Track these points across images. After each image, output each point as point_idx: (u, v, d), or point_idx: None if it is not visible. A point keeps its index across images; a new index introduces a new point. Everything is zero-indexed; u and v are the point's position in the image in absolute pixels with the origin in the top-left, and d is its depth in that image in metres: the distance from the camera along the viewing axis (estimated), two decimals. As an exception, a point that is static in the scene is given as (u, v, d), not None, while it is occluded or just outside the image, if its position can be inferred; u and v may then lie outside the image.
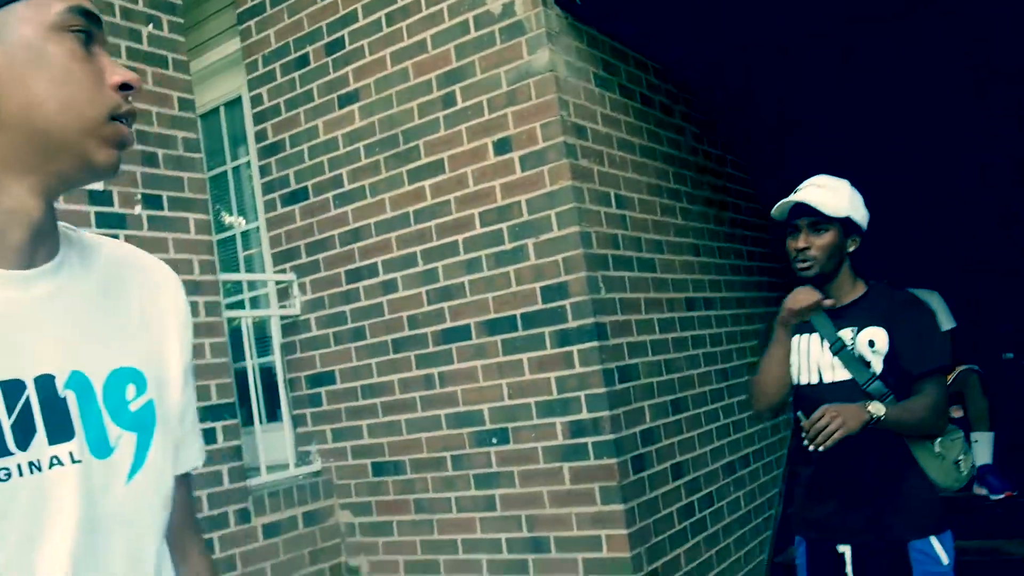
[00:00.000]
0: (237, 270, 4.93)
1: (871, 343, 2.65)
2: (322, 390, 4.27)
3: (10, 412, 0.87)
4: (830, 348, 2.68)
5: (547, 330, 3.62)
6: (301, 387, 4.34)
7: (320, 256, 4.24)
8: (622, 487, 3.48)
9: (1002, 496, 4.50)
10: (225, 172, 4.89)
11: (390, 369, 4.04)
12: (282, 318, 4.38)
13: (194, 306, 3.70)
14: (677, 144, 4.58)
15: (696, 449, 4.13)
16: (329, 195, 4.20)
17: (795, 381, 2.78)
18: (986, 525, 4.61)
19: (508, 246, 3.70)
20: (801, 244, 2.70)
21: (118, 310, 1.02)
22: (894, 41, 5.07)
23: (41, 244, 0.95)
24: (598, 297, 3.57)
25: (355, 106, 4.10)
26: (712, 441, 4.31)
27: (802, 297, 2.70)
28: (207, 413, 3.69)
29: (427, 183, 3.90)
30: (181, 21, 3.99)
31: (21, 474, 0.87)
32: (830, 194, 2.71)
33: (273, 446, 4.26)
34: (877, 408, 2.47)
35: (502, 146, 3.71)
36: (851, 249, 2.76)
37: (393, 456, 4.04)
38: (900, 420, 2.52)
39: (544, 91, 3.61)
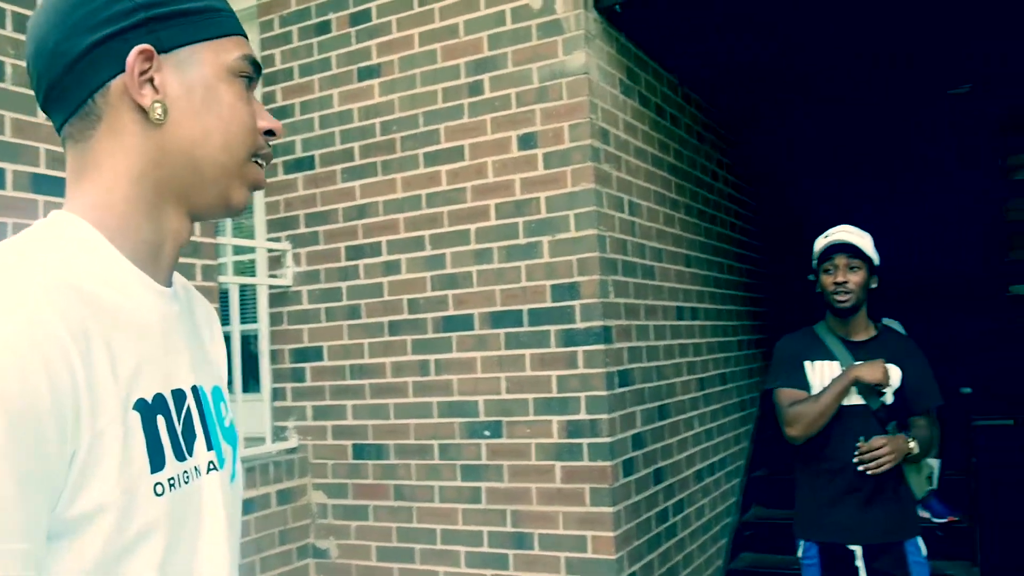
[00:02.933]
0: (221, 232, 4.82)
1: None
2: (307, 365, 4.21)
3: (179, 419, 0.92)
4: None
5: (553, 328, 3.64)
6: (284, 360, 4.28)
7: (320, 228, 4.18)
8: (612, 490, 3.53)
9: (944, 520, 4.75)
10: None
11: (383, 351, 4.01)
12: (271, 288, 4.29)
13: (191, 268, 3.60)
14: (681, 156, 4.63)
15: (674, 455, 4.21)
16: (337, 167, 4.13)
17: None
18: (928, 547, 4.82)
19: (522, 241, 3.70)
20: (840, 278, 3.15)
21: (200, 334, 1.08)
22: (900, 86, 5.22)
23: None
24: (607, 301, 3.61)
25: (375, 81, 4.04)
26: (687, 448, 4.40)
27: (877, 374, 3.02)
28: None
29: (444, 168, 3.87)
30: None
31: (191, 480, 0.92)
32: (860, 238, 3.20)
33: (249, 418, 4.18)
34: (914, 445, 3.03)
35: (527, 141, 3.70)
36: (873, 286, 3.21)
37: (377, 440, 4.02)
38: (920, 452, 3.07)
39: (576, 92, 3.61)
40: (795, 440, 3.15)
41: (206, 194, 0.97)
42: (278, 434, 4.25)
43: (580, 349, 3.58)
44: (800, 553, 3.23)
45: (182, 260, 3.51)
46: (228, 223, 4.62)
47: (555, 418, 3.62)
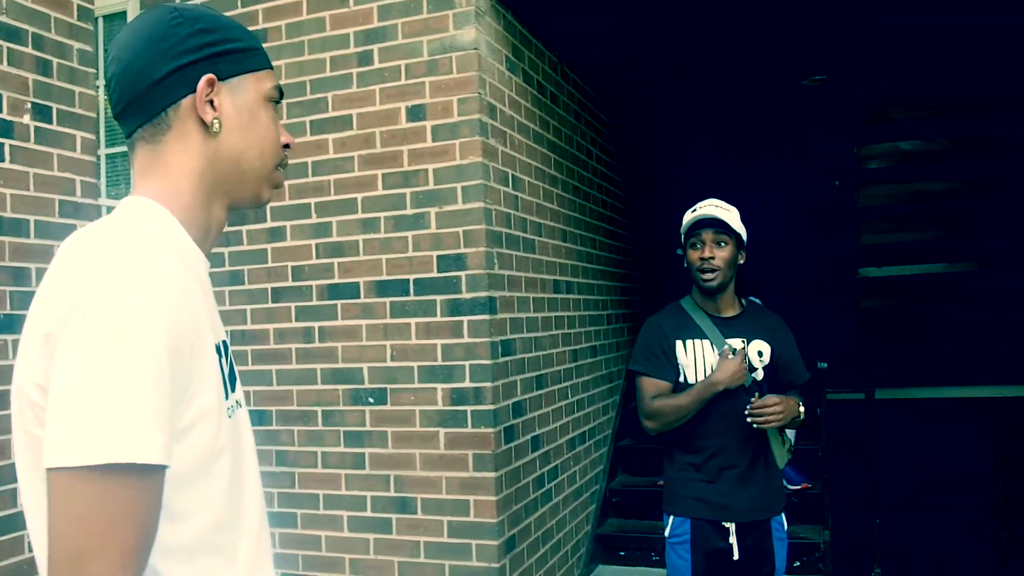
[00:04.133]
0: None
1: (759, 353, 3.14)
2: (186, 330, 4.15)
3: (227, 362, 1.16)
4: (719, 353, 3.08)
5: (439, 298, 3.71)
6: (162, 324, 4.20)
7: (202, 193, 4.11)
8: (495, 455, 3.65)
9: (799, 487, 5.07)
10: (97, 93, 4.60)
11: (266, 318, 4.00)
12: (149, 251, 4.21)
13: (71, 230, 3.51)
14: (559, 133, 4.77)
15: (550, 424, 4.36)
16: (220, 132, 4.07)
17: (683, 379, 3.13)
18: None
19: (409, 212, 3.76)
20: (707, 253, 3.09)
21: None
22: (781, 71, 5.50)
23: None
24: (493, 272, 3.71)
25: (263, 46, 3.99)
26: (561, 417, 4.56)
27: (736, 373, 2.98)
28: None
29: (331, 136, 3.88)
30: (84, -75, 3.74)
31: (234, 412, 1.15)
32: (728, 213, 3.12)
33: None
34: (802, 409, 3.08)
35: (415, 113, 3.76)
36: (740, 262, 3.20)
37: (259, 406, 4.01)
38: (800, 419, 3.10)
39: (466, 67, 3.68)
40: (651, 432, 3.13)
41: (244, 191, 1.24)
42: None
43: (466, 319, 3.67)
44: (668, 531, 3.16)
45: (64, 220, 3.43)
46: (103, 187, 4.50)
47: (440, 386, 3.71)
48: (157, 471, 0.95)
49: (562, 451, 4.54)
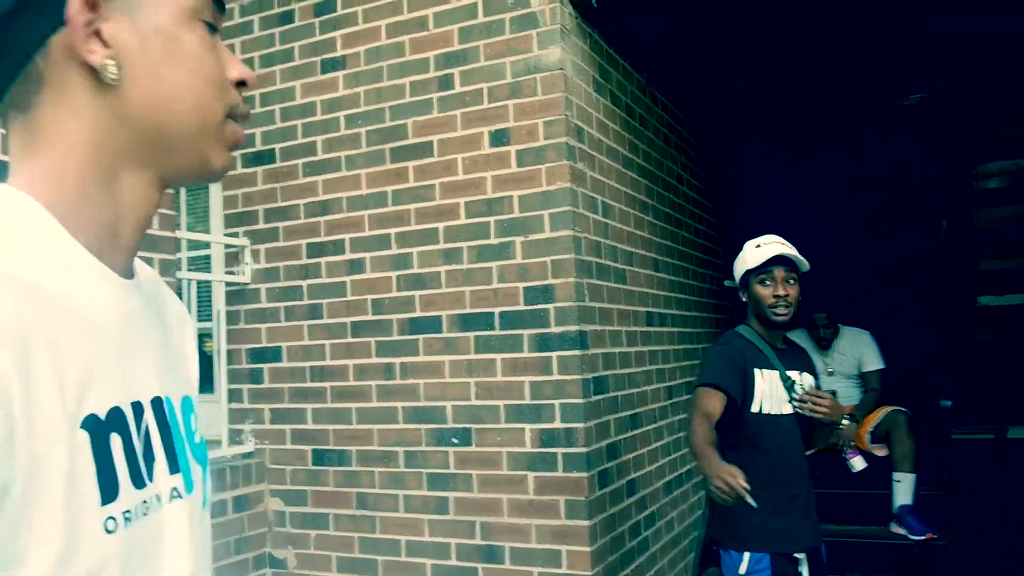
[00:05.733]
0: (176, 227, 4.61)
1: (802, 387, 3.21)
2: (264, 366, 4.02)
3: (139, 437, 0.77)
4: (784, 385, 3.13)
5: (526, 332, 3.50)
6: (241, 360, 4.08)
7: (280, 224, 3.99)
8: (588, 502, 3.40)
9: (922, 538, 4.63)
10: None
11: (346, 353, 3.84)
12: (228, 284, 4.10)
13: (148, 263, 3.40)
14: (649, 157, 4.54)
15: (645, 466, 4.10)
16: (299, 162, 3.95)
17: (759, 408, 3.11)
18: (897, 564, 4.76)
19: (494, 241, 3.56)
20: (781, 291, 3.13)
21: (168, 335, 0.92)
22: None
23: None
24: (583, 304, 3.48)
25: (340, 73, 3.87)
26: (657, 459, 4.29)
27: (737, 484, 2.74)
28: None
29: (411, 164, 3.72)
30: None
31: (151, 510, 0.77)
32: (793, 250, 3.17)
33: (203, 421, 3.97)
34: (847, 423, 3.16)
35: (499, 138, 3.57)
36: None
37: (338, 445, 3.84)
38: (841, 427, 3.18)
39: (552, 88, 3.49)
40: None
41: (178, 159, 0.83)
42: (234, 437, 4.05)
43: (555, 354, 3.44)
44: (746, 567, 3.07)
45: (139, 254, 3.32)
46: (183, 216, 4.43)
47: (528, 426, 3.48)
48: None
49: (658, 496, 4.25)
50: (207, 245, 4.27)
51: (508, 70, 3.57)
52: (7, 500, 0.62)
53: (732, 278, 3.38)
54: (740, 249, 3.34)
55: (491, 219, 3.57)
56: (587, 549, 3.35)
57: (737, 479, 2.70)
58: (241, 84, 0.86)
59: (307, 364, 3.92)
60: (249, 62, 4.08)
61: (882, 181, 6.43)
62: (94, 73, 0.76)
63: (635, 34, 4.08)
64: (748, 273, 3.20)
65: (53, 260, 0.73)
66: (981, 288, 6.40)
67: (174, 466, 0.82)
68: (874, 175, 6.46)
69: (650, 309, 4.35)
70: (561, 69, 3.48)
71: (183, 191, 4.52)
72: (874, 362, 5.26)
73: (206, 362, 4.15)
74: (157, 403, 0.82)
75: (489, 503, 3.54)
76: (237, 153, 4.08)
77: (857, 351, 5.33)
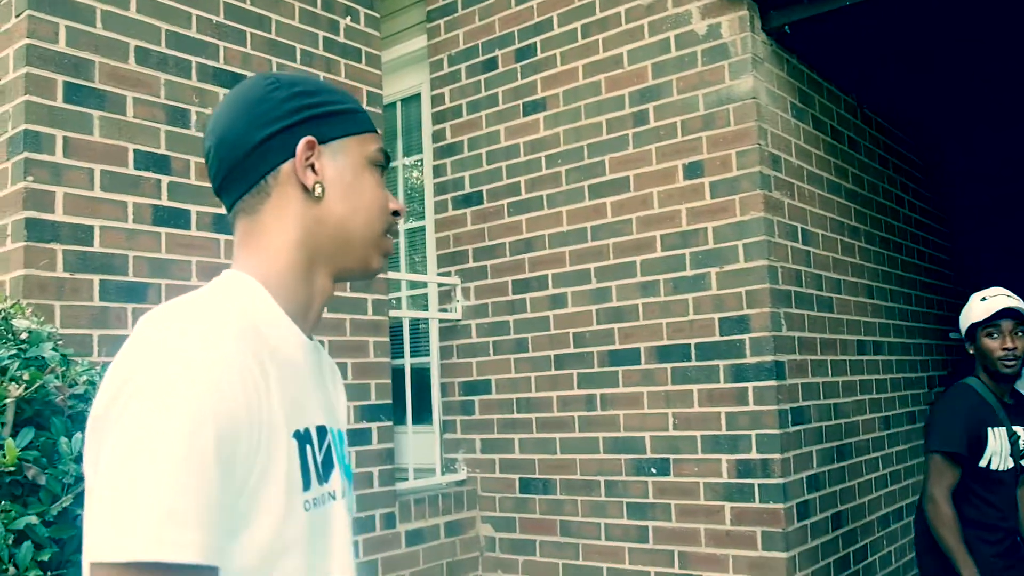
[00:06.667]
0: (395, 268, 4.95)
1: None
2: (475, 398, 4.24)
3: (320, 450, 1.09)
4: (1009, 440, 3.17)
5: (722, 363, 3.51)
6: (454, 393, 4.32)
7: (488, 263, 4.21)
8: (786, 534, 3.35)
9: None
10: (395, 168, 4.89)
11: (550, 385, 3.98)
12: (441, 321, 4.36)
13: (362, 303, 3.70)
14: (861, 181, 4.40)
15: (856, 499, 3.96)
16: (504, 202, 4.16)
17: (986, 465, 3.14)
18: None
19: (689, 273, 3.60)
20: (1010, 344, 3.16)
21: (327, 384, 1.23)
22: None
23: None
24: (779, 334, 3.45)
25: (540, 115, 4.05)
26: (871, 491, 4.13)
27: None
28: (364, 412, 3.70)
29: (609, 200, 3.83)
30: (377, 16, 4.01)
31: (320, 505, 1.07)
32: (1022, 303, 3.18)
33: (419, 450, 4.24)
34: None
35: (693, 170, 3.61)
36: None
37: (543, 474, 3.98)
38: None
39: (744, 118, 3.50)
40: (925, 513, 3.18)
41: (351, 259, 1.17)
42: (448, 466, 4.29)
43: (750, 385, 3.43)
44: None
45: (356, 294, 3.63)
46: (403, 259, 4.75)
47: (724, 456, 3.48)
48: (194, 571, 0.86)
49: (872, 529, 4.09)
50: (425, 285, 4.55)
51: (701, 102, 3.61)
52: (254, 474, 0.94)
53: (958, 328, 3.43)
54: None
55: (686, 251, 3.62)
56: (787, 583, 3.30)
57: None
58: (395, 214, 1.21)
59: (514, 396, 4.10)
60: (457, 109, 4.35)
61: None
62: (306, 192, 1.12)
63: (836, 56, 4.00)
64: (975, 326, 3.24)
65: (272, 320, 1.09)
66: None
67: (339, 474, 1.14)
68: None
69: (862, 337, 4.21)
70: (754, 98, 3.49)
71: (403, 235, 4.85)
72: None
73: (424, 395, 4.43)
74: (326, 430, 1.13)
75: (687, 533, 3.55)
76: (447, 196, 4.35)
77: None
